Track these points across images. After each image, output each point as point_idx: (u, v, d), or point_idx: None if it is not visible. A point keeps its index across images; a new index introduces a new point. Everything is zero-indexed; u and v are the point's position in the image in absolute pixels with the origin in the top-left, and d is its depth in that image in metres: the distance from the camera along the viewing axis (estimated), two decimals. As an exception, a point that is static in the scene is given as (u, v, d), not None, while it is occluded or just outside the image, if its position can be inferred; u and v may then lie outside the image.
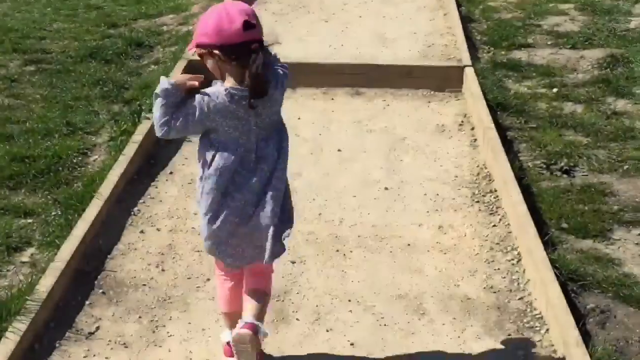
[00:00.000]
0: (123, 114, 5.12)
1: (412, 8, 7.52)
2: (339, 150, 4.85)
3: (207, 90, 2.47)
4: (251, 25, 2.38)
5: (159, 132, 2.54)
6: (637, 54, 5.95)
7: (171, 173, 4.55)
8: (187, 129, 2.52)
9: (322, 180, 4.44)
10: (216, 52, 2.40)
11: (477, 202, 4.20)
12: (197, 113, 2.46)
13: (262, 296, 2.76)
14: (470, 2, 7.58)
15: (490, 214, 4.07)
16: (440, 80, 5.72)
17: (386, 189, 4.36)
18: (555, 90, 5.53)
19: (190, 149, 4.81)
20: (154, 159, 4.71)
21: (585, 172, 4.42)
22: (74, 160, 4.61)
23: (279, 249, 2.60)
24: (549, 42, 6.43)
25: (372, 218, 4.06)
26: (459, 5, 7.30)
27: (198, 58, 2.52)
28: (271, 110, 2.54)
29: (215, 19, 2.39)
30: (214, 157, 2.52)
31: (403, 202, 4.22)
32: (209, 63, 2.47)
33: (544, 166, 4.49)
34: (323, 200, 4.24)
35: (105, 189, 4.06)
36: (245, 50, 2.37)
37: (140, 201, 4.21)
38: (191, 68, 5.73)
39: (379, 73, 5.76)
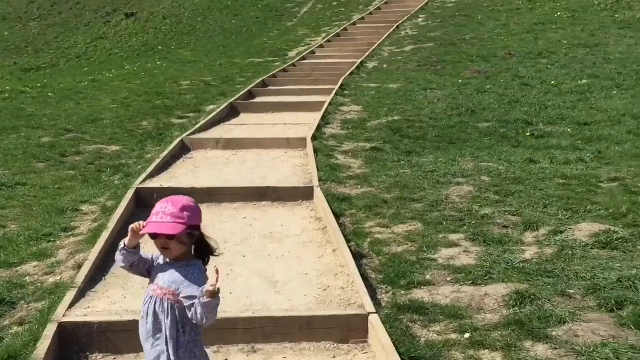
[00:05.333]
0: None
1: (298, 243, 7.14)
2: None
3: None
4: None
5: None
6: (542, 290, 5.69)
7: None
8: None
9: None
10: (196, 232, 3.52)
11: None
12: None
13: None
14: (357, 235, 7.27)
15: None
16: (343, 330, 5.21)
17: None
18: (467, 335, 5.12)
19: None
20: None
21: None
22: None
23: None
24: (448, 279, 6.11)
25: None
26: (347, 240, 6.96)
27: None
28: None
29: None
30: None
31: None
32: (184, 239, 3.46)
33: None
34: None
35: None
36: None
37: None
38: (61, 331, 5.02)
39: (276, 326, 5.21)
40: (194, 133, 11.86)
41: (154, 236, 3.47)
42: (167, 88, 16.79)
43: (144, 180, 8.97)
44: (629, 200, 7.58)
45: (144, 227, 3.48)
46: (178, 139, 11.26)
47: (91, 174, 10.04)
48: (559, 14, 22.36)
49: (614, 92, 13.30)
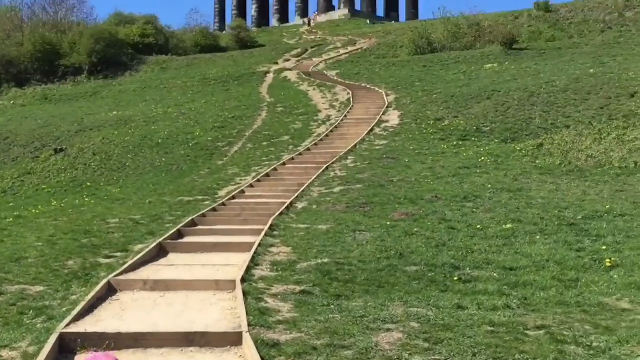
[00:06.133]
0: None
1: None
2: None
3: None
4: None
5: None
6: None
7: None
8: None
9: None
10: None
11: None
12: None
13: None
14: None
15: None
16: None
17: None
18: None
19: None
20: None
21: None
22: None
23: None
24: None
25: None
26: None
27: None
28: None
29: None
30: None
31: None
32: None
33: None
34: None
35: None
36: None
37: None
38: None
39: None
40: (121, 273, 11.69)
41: None
42: (94, 226, 16.61)
43: (67, 324, 8.74)
44: (555, 349, 7.68)
45: None
46: (104, 280, 11.07)
47: (12, 316, 9.74)
48: (482, 158, 23.14)
49: (537, 237, 13.66)
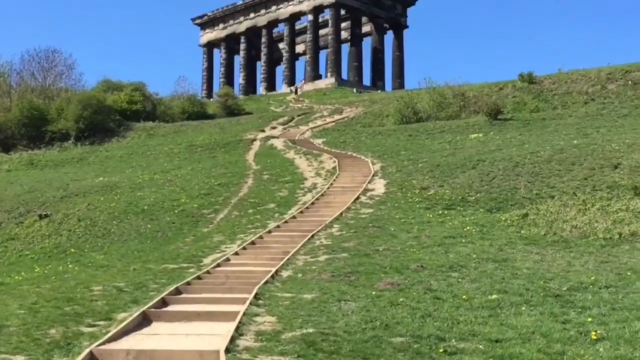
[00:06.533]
0: None
1: None
2: None
3: None
4: None
5: None
6: None
7: None
8: None
9: None
10: None
11: None
12: None
13: None
14: None
15: None
16: None
17: None
18: None
19: None
20: None
21: None
22: None
23: None
24: None
25: None
26: None
27: None
28: None
29: None
30: None
31: None
32: None
33: None
34: None
35: None
36: None
37: None
38: None
39: None
40: (103, 343, 11.57)
41: None
42: (77, 293, 16.46)
43: (48, 397, 8.61)
44: None
45: None
46: (87, 350, 10.95)
47: (-8, 387, 9.60)
48: (468, 228, 23.19)
49: (523, 308, 13.64)
